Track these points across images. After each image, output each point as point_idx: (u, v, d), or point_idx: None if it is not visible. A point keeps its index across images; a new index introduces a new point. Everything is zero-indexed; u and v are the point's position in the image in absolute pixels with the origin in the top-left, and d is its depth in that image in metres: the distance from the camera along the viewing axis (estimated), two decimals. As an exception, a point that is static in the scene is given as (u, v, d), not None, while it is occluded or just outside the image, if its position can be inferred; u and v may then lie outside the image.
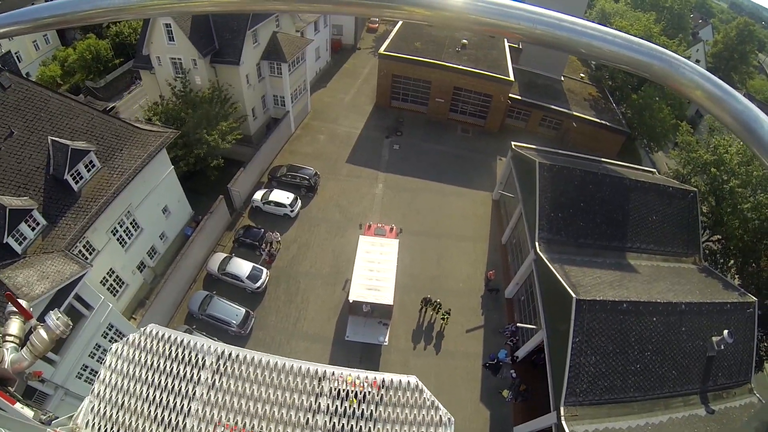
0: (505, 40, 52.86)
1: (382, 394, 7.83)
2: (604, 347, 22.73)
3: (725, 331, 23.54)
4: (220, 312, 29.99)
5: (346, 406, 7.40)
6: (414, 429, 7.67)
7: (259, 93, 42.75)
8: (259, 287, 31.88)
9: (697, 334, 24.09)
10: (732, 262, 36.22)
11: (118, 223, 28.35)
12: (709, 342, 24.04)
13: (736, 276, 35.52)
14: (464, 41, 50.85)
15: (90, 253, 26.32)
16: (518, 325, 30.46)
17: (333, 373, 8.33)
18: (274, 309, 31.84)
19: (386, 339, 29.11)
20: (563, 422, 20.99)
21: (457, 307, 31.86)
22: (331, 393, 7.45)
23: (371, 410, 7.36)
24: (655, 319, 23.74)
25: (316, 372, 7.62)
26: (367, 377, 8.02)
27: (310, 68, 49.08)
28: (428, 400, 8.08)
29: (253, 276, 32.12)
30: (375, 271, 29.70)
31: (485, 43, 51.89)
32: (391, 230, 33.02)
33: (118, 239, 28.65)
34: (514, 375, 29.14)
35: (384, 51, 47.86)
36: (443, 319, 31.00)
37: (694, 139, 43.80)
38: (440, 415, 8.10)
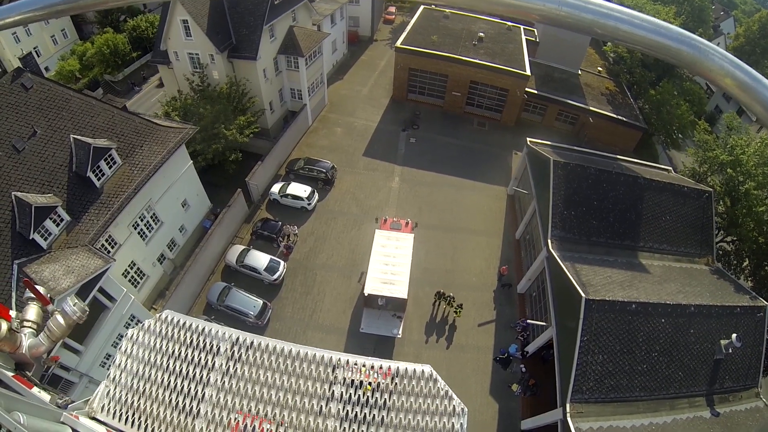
0: (522, 32, 52.71)
1: (396, 383, 8.17)
2: (611, 346, 23.08)
3: (733, 335, 23.59)
4: (238, 303, 30.69)
5: (360, 394, 7.73)
6: (427, 418, 8.05)
7: (277, 87, 43.15)
8: (276, 279, 32.52)
9: (705, 337, 24.22)
10: (746, 263, 35.89)
11: (139, 218, 29.15)
12: (717, 345, 24.13)
13: (750, 278, 35.24)
14: (481, 34, 50.71)
15: (112, 247, 27.12)
16: (528, 321, 30.84)
17: (347, 362, 8.67)
18: (291, 300, 32.52)
19: (400, 332, 29.70)
20: (568, 419, 21.44)
21: (470, 301, 32.35)
22: (345, 381, 7.82)
23: (384, 399, 7.74)
24: (663, 320, 23.95)
25: (330, 360, 7.98)
26: (381, 366, 8.38)
27: (327, 61, 49.40)
28: (442, 389, 8.44)
29: (271, 268, 32.76)
30: (390, 265, 30.25)
31: (502, 37, 51.80)
32: (407, 224, 33.47)
33: (139, 233, 29.45)
34: (523, 369, 29.56)
35: (401, 44, 48.02)
36: (456, 312, 31.49)
37: (712, 137, 43.38)
38: (453, 405, 8.49)
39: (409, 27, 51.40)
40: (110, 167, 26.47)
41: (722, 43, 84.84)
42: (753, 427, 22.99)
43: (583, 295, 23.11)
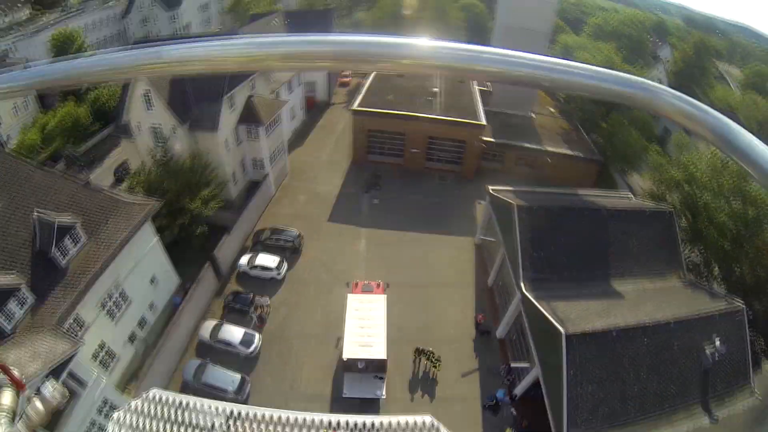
0: (475, 84, 54.53)
1: None
2: (599, 375, 23.33)
3: (716, 340, 24.10)
4: (215, 379, 29.84)
5: None
6: None
7: (238, 157, 43.39)
8: (252, 352, 31.86)
9: (690, 348, 24.65)
10: (716, 270, 36.78)
11: (107, 296, 28.31)
12: (703, 354, 24.51)
13: (722, 284, 36.04)
14: (435, 89, 52.17)
15: (80, 328, 26.13)
16: (512, 365, 30.73)
17: (347, 422, 8.47)
18: (270, 372, 31.75)
19: (383, 392, 29.15)
20: None
21: (450, 353, 32.09)
22: None
23: None
24: (646, 340, 24.39)
25: (328, 423, 7.82)
26: (381, 422, 8.21)
27: (286, 128, 49.97)
28: None
29: (246, 341, 32.13)
30: (366, 327, 30.10)
31: (455, 90, 53.35)
32: (378, 286, 33.48)
33: (107, 312, 28.53)
34: (514, 413, 29.29)
35: (357, 107, 48.84)
36: (435, 366, 31.15)
37: (665, 159, 45.26)
38: None
39: (364, 89, 52.56)
40: (75, 245, 25.96)
41: (662, 70, 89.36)
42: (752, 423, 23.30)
43: (562, 330, 23.36)
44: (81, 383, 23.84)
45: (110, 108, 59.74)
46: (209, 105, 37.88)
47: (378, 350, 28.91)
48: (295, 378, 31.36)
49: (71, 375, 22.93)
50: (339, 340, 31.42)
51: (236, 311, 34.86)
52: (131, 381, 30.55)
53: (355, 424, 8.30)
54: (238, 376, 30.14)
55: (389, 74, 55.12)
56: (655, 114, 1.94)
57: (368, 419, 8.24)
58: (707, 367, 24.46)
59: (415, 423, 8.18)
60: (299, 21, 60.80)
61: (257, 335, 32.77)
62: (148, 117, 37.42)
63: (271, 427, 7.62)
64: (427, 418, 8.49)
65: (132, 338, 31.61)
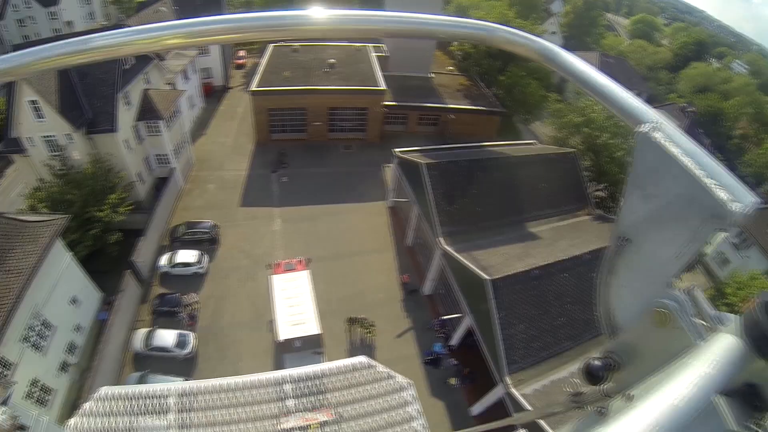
0: (371, 50, 54.80)
1: (341, 379, 8.54)
2: (527, 313, 24.80)
3: None
4: (158, 389, 29.19)
5: (312, 400, 8.01)
6: (380, 400, 8.56)
7: (141, 155, 41.63)
8: (189, 353, 31.32)
9: None
10: (621, 203, 39.93)
11: (29, 329, 26.50)
12: None
13: None
14: (332, 60, 52.01)
15: (7, 369, 24.53)
16: (443, 318, 32.09)
17: (290, 375, 8.95)
18: (210, 369, 31.29)
19: (325, 366, 29.76)
20: (512, 390, 22.65)
21: (382, 317, 33.01)
22: (294, 393, 8.13)
23: (336, 396, 8.13)
24: (565, 274, 26.15)
25: (274, 379, 8.24)
26: (323, 369, 8.76)
27: (186, 118, 48.38)
28: (383, 372, 9.00)
29: (181, 342, 31.47)
30: (295, 306, 30.21)
31: (352, 58, 53.47)
32: (300, 262, 33.62)
33: (32, 345, 26.74)
34: (454, 362, 30.66)
35: (255, 87, 47.96)
36: (369, 332, 32.06)
37: (563, 105, 48.03)
38: (398, 381, 9.06)
39: (260, 68, 51.53)
40: (-17, 279, 24.22)
41: (555, 22, 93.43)
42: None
43: (486, 277, 24.59)
44: (21, 428, 22.51)
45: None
46: (103, 105, 35.92)
47: (311, 326, 29.19)
48: (237, 369, 30.88)
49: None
50: (271, 323, 31.61)
51: (165, 314, 33.88)
52: (74, 411, 29.31)
53: (300, 375, 8.83)
54: (180, 380, 29.64)
55: (285, 51, 54.57)
56: (495, 46, 2.31)
57: (311, 369, 8.81)
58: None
59: (352, 364, 8.88)
60: (188, 4, 58.20)
61: (191, 334, 32.16)
62: (39, 127, 34.86)
63: (222, 395, 7.97)
64: (363, 358, 9.24)
65: (64, 367, 30.00)
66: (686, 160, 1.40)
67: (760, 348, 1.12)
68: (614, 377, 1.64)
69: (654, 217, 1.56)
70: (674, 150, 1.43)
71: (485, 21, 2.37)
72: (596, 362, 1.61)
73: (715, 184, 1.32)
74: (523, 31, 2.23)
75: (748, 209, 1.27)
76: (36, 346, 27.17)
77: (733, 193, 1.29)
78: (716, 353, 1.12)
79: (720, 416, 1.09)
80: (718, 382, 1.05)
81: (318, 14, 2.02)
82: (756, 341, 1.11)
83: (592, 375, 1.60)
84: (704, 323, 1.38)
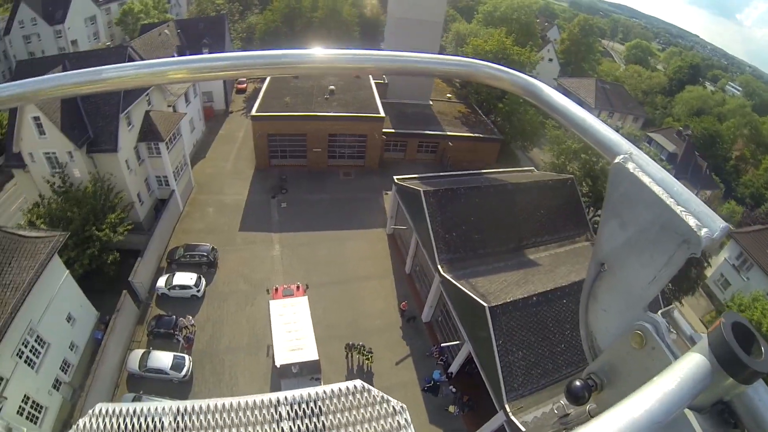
0: (371, 78, 55.45)
1: (335, 403, 8.51)
2: (527, 340, 24.65)
3: None
4: (152, 411, 28.84)
5: (307, 423, 7.97)
6: (374, 424, 8.50)
7: (142, 176, 41.84)
8: (185, 375, 31.06)
9: None
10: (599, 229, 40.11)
11: (23, 344, 26.33)
12: None
13: None
14: (332, 87, 52.60)
15: None
16: (442, 345, 31.92)
17: (286, 398, 8.92)
18: (206, 392, 31.04)
19: (322, 393, 29.42)
20: (512, 417, 22.49)
21: (380, 343, 32.80)
22: (289, 415, 8.09)
23: (330, 419, 8.08)
24: (565, 300, 26.04)
25: (270, 401, 8.20)
26: (318, 392, 8.75)
27: (187, 141, 48.68)
28: (377, 396, 8.97)
29: (177, 365, 31.23)
30: (293, 331, 30.08)
31: (352, 85, 53.98)
32: (298, 288, 33.56)
33: (26, 361, 26.56)
34: (453, 390, 30.43)
35: (255, 112, 48.26)
36: (368, 359, 31.85)
37: (561, 132, 48.38)
38: (392, 406, 9.01)
39: (261, 93, 52.03)
40: (-21, 293, 24.09)
41: (551, 49, 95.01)
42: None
43: (485, 304, 24.54)
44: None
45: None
46: (106, 124, 36.23)
47: (309, 352, 29.04)
48: (233, 393, 30.67)
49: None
50: (269, 348, 31.37)
51: (162, 336, 33.75)
52: (65, 430, 29.06)
53: (296, 398, 8.82)
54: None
55: (286, 77, 54.90)
56: (482, 82, 2.37)
57: (307, 392, 8.82)
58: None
59: (347, 388, 8.88)
60: (192, 29, 59.18)
61: (187, 357, 31.94)
62: (41, 144, 35.05)
63: (217, 415, 7.97)
64: (358, 383, 9.26)
65: (57, 385, 29.70)
66: (657, 189, 1.48)
67: (727, 366, 1.17)
68: (596, 398, 1.69)
69: (631, 243, 1.63)
70: (645, 179, 1.51)
71: (471, 58, 2.49)
72: (577, 383, 1.66)
73: (682, 211, 1.40)
74: (506, 66, 2.31)
75: (716, 235, 1.34)
76: (29, 362, 27.01)
77: (701, 220, 1.36)
78: (683, 370, 1.18)
79: None
80: (681, 398, 1.10)
81: (318, 53, 2.13)
82: (722, 359, 1.17)
83: (573, 396, 1.65)
84: (680, 343, 1.45)
